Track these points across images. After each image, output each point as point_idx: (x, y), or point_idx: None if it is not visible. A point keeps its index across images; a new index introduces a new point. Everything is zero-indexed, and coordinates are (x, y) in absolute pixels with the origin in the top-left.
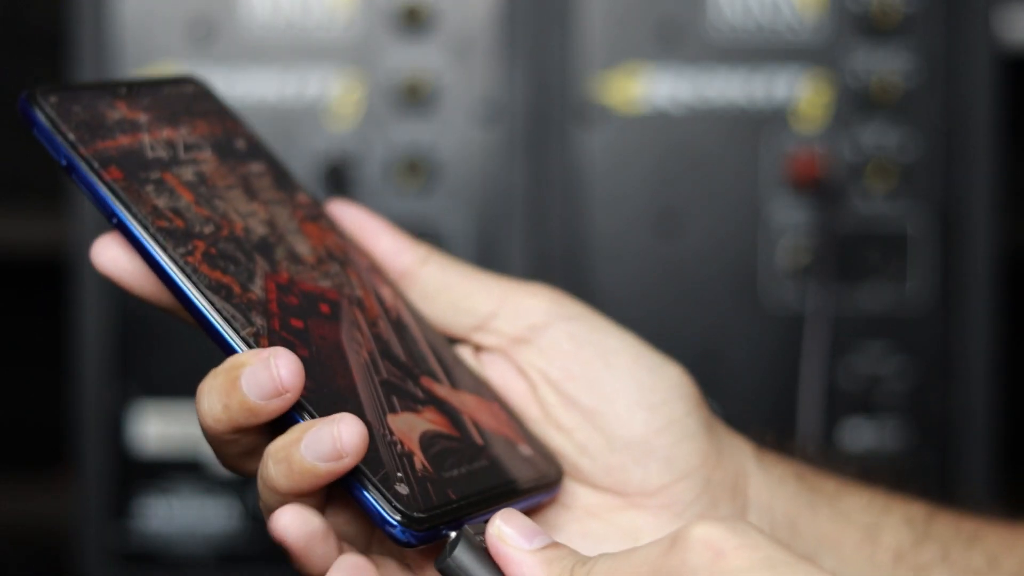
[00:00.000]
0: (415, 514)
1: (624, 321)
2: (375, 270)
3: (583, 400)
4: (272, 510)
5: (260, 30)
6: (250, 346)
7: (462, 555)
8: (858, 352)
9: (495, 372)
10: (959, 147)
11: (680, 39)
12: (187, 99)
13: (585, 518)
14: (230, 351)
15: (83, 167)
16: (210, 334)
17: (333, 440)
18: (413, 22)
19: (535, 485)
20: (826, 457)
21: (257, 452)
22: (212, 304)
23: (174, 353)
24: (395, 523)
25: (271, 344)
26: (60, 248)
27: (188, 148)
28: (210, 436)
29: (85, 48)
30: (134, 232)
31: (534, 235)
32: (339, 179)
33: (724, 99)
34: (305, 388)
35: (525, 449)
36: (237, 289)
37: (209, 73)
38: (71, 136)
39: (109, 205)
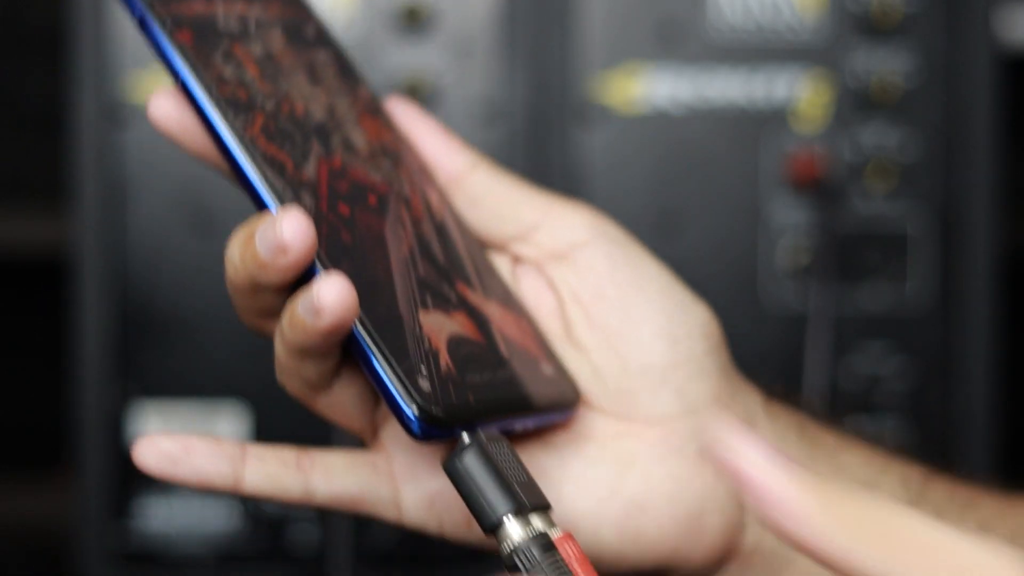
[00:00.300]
0: (432, 408)
1: None
2: (424, 171)
3: (609, 321)
4: (287, 369)
5: None
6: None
7: (471, 458)
8: (858, 352)
9: (527, 284)
10: (959, 147)
11: (680, 39)
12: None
13: (581, 440)
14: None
15: (155, 24)
16: (258, 205)
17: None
18: (413, 22)
19: (552, 405)
20: (831, 414)
21: (273, 314)
22: (264, 176)
23: (174, 353)
24: (411, 415)
25: (317, 225)
26: (60, 248)
27: (259, 26)
28: (231, 286)
29: (85, 48)
30: (197, 95)
31: None
32: None
33: (724, 99)
34: (342, 269)
35: (547, 368)
36: (290, 166)
37: None
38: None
39: (175, 65)
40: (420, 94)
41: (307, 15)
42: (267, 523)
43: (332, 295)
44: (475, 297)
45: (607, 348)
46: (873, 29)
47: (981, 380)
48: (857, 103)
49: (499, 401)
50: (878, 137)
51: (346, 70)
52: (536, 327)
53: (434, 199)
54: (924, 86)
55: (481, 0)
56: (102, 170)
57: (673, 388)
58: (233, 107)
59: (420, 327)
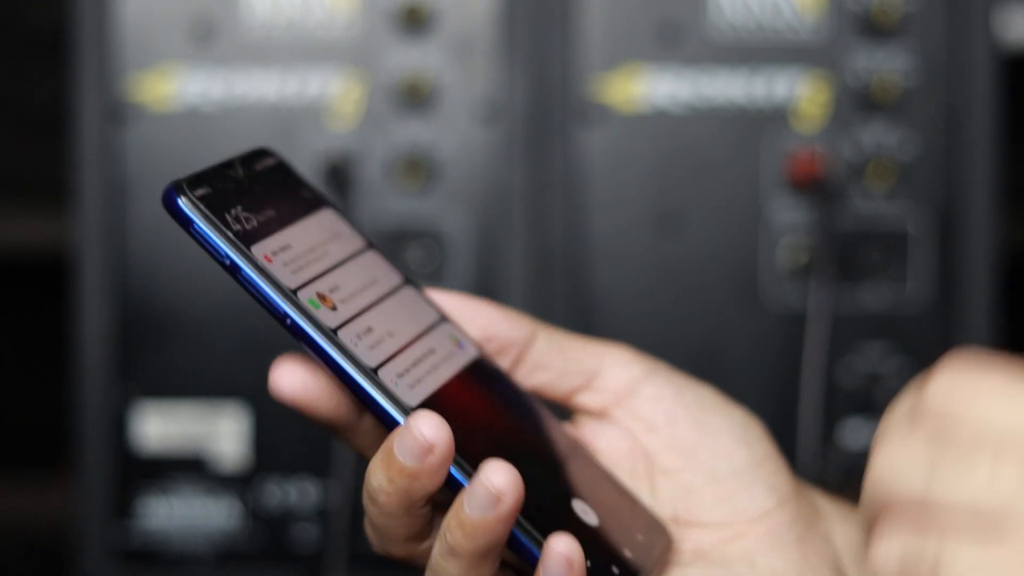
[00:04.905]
0: None
1: (624, 321)
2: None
3: (688, 438)
4: None
5: (260, 30)
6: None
7: None
8: (858, 352)
9: (597, 439)
10: (959, 147)
11: (680, 39)
12: (275, 178)
13: (697, 560)
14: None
15: (249, 270)
16: (388, 424)
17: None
18: (413, 22)
19: (653, 563)
20: (831, 414)
21: (422, 534)
22: (385, 393)
23: (175, 353)
24: None
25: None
26: (61, 248)
27: (316, 247)
28: (383, 518)
29: (85, 48)
30: (322, 346)
31: (534, 235)
32: (339, 179)
33: (724, 99)
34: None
35: (639, 535)
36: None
37: (210, 73)
38: (231, 233)
39: (281, 309)
40: (420, 94)
41: (299, 182)
42: (267, 522)
43: (503, 477)
44: (578, 477)
45: (693, 464)
46: (873, 29)
47: None
48: (857, 103)
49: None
50: (878, 137)
51: (380, 259)
52: (620, 483)
53: (512, 380)
54: (924, 86)
55: (481, 0)
56: (103, 170)
57: (764, 484)
58: (340, 339)
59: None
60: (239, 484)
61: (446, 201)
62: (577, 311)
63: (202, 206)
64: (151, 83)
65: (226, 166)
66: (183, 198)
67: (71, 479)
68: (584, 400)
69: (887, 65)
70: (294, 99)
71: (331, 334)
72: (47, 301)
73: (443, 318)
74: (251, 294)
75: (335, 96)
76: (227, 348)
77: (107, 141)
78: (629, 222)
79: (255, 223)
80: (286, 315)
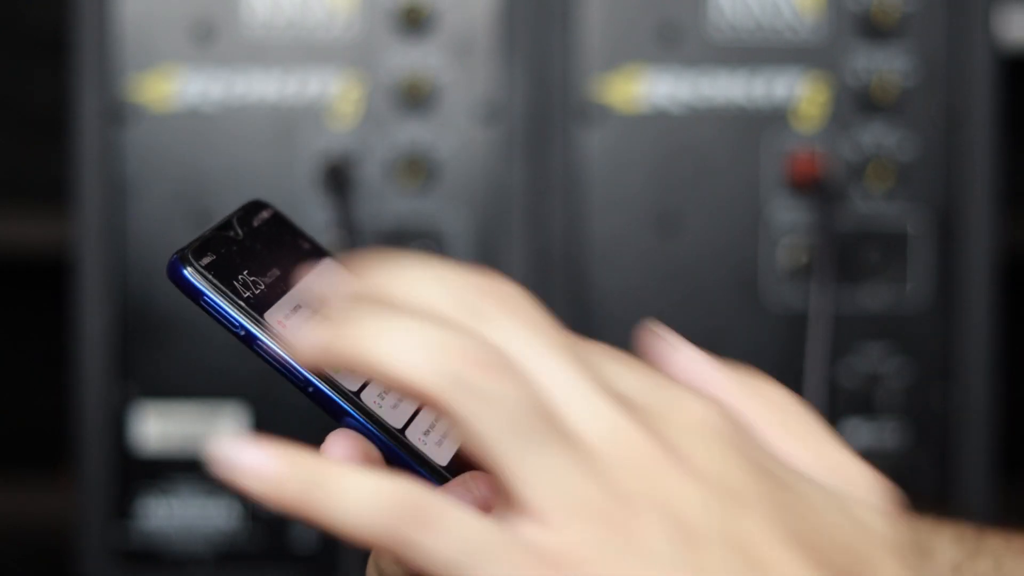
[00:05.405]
0: None
1: (624, 321)
2: None
3: None
4: None
5: (260, 30)
6: (443, 478)
7: None
8: (858, 352)
9: None
10: (958, 147)
11: (680, 39)
12: (274, 233)
13: None
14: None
15: (265, 339)
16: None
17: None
18: (413, 22)
19: None
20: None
21: None
22: (425, 463)
23: (175, 353)
24: None
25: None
26: (61, 248)
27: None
28: None
29: (85, 48)
30: (339, 402)
31: (534, 235)
32: (339, 179)
33: (724, 99)
34: None
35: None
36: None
37: (210, 73)
38: (242, 302)
39: (303, 375)
40: (420, 94)
41: (297, 233)
42: (267, 522)
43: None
44: None
45: None
46: (873, 29)
47: (980, 380)
48: (857, 103)
49: None
50: (878, 137)
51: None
52: None
53: None
54: (924, 86)
55: (481, 0)
56: (103, 170)
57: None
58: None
59: None
60: None
61: (446, 201)
62: (577, 311)
63: (210, 275)
64: (151, 83)
65: (225, 227)
66: (190, 269)
67: (71, 479)
68: None
69: (887, 65)
70: (294, 99)
71: (354, 397)
72: (47, 301)
73: None
74: (268, 362)
75: (335, 96)
76: (226, 348)
77: (107, 141)
78: (629, 222)
79: (263, 287)
80: (308, 382)
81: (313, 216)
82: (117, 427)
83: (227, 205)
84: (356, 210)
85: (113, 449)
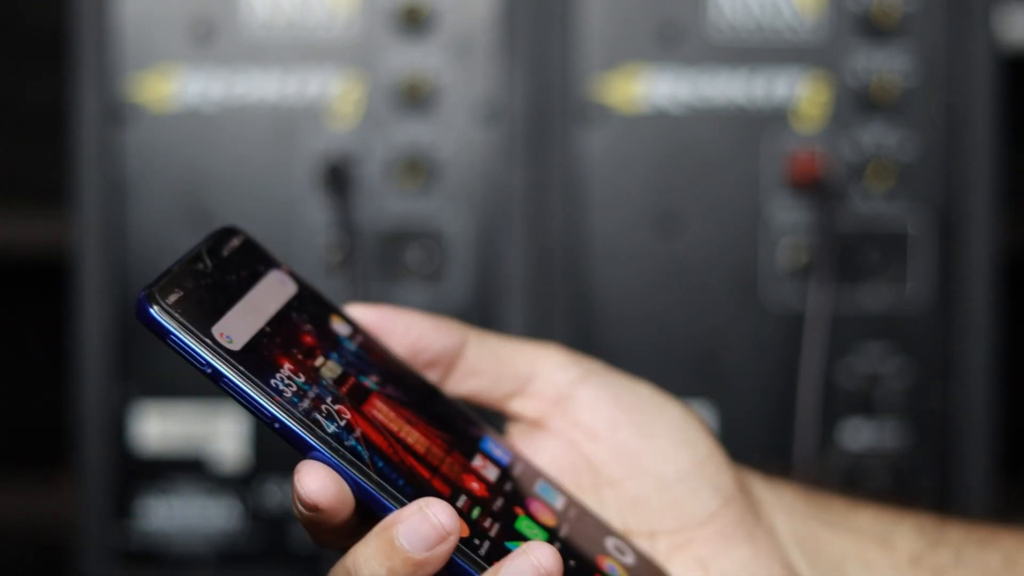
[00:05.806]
0: None
1: (624, 321)
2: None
3: (631, 444)
4: None
5: (260, 30)
6: (401, 503)
7: None
8: (858, 352)
9: (539, 456)
10: (959, 147)
11: (680, 39)
12: (246, 262)
13: None
14: (384, 512)
15: (232, 377)
16: (380, 511)
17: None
18: (413, 22)
19: None
20: (819, 477)
21: None
22: (385, 489)
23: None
24: None
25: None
26: (60, 248)
27: (280, 320)
28: None
29: (85, 48)
30: (296, 431)
31: (534, 235)
32: (339, 179)
33: (724, 99)
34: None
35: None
36: (393, 455)
37: (210, 73)
38: (210, 341)
39: (269, 412)
40: (420, 94)
41: (269, 260)
42: (267, 522)
43: (548, 556)
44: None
45: (638, 472)
46: (873, 29)
47: (980, 380)
48: (857, 103)
49: None
50: (878, 137)
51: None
52: (593, 512)
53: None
54: (924, 86)
55: (481, 0)
56: (103, 170)
57: (709, 485)
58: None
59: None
60: (239, 484)
61: (446, 201)
62: (577, 311)
63: (176, 314)
64: (151, 83)
65: (194, 259)
66: (156, 308)
67: (71, 479)
68: (519, 407)
69: (887, 65)
70: (294, 99)
71: (320, 432)
72: (47, 301)
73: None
74: (235, 399)
75: (335, 96)
76: None
77: (107, 141)
78: (629, 222)
79: (235, 323)
80: (274, 418)
81: (313, 216)
82: (117, 427)
83: (227, 205)
84: (356, 210)
85: (113, 449)
